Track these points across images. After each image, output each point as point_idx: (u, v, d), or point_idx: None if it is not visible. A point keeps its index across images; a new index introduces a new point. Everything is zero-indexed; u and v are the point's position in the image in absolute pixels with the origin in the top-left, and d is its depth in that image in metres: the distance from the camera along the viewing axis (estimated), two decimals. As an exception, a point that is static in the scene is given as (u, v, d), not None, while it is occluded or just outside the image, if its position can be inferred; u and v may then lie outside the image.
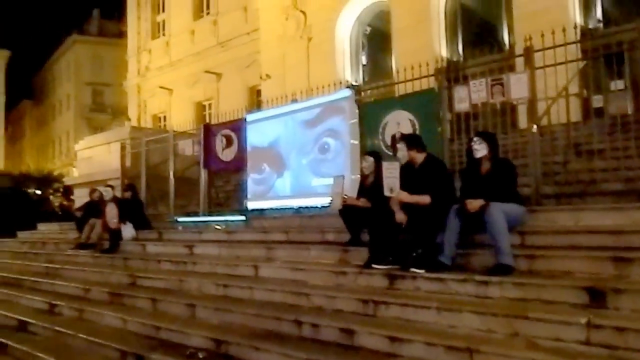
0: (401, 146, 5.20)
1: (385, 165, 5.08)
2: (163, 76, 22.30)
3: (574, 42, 6.50)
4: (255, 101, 18.36)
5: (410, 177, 4.93)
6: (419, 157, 5.10)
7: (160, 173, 11.51)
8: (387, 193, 4.93)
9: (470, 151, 5.00)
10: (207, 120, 20.13)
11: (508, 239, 4.32)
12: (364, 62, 15.08)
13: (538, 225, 4.93)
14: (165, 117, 22.56)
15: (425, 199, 4.76)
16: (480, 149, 4.89)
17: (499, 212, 4.33)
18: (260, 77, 16.42)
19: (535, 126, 6.13)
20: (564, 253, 4.24)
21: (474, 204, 4.48)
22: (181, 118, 19.85)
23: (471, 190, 4.68)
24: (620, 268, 3.82)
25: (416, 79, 7.37)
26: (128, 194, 9.42)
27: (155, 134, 12.48)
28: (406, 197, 4.83)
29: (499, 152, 5.14)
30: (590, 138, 6.48)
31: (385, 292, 4.60)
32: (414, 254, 4.71)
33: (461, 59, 12.60)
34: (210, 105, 20.60)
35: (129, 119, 24.33)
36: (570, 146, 6.77)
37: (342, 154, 7.87)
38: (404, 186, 4.85)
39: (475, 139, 4.99)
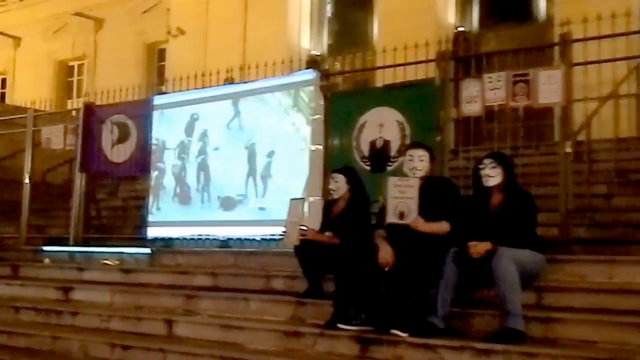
0: (424, 153, 6.11)
1: (393, 181, 5.88)
2: (5, 15, 22.43)
3: (629, 33, 7.58)
4: (156, 67, 19.08)
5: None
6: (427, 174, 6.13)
7: (7, 174, 12.18)
8: (392, 219, 5.77)
9: (477, 176, 5.96)
10: (75, 92, 20.65)
11: (519, 296, 5.28)
12: (330, 18, 15.81)
13: (561, 279, 5.95)
14: (4, 81, 22.72)
15: (443, 226, 5.72)
16: (494, 176, 5.79)
17: (510, 261, 5.24)
18: (168, 32, 17.09)
19: (568, 144, 7.16)
20: (588, 317, 5.25)
21: (479, 248, 5.38)
22: (32, 85, 20.25)
23: (476, 229, 5.63)
24: (651, 337, 4.89)
25: (409, 63, 8.38)
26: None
27: (2, 112, 13.07)
28: (423, 225, 5.69)
29: (516, 178, 6.12)
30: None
31: (354, 362, 5.50)
32: (396, 311, 5.65)
33: (477, 29, 13.69)
34: (81, 67, 21.05)
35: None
36: (616, 173, 7.81)
37: (298, 165, 8.82)
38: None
39: (486, 161, 5.86)
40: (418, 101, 8.11)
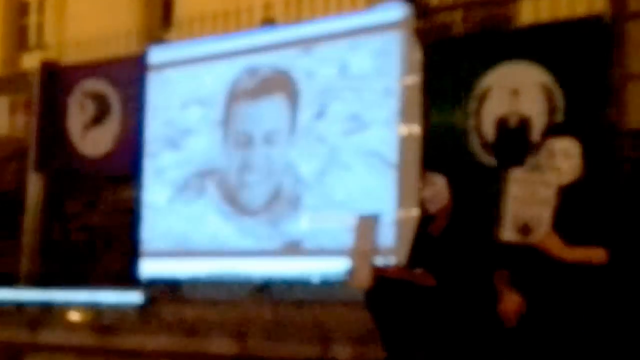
0: (565, 146, 5.90)
1: (516, 175, 5.70)
2: None
3: None
4: (161, 6, 19.32)
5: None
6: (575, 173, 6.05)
7: None
8: (509, 235, 5.58)
9: None
10: (35, 42, 21.04)
11: None
12: None
13: None
14: None
15: (594, 253, 5.48)
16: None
17: None
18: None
19: None
20: None
21: None
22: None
23: None
24: None
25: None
26: None
27: None
28: (561, 248, 5.50)
29: None
30: None
31: None
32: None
33: None
34: (42, 3, 21.38)
35: None
36: None
37: (377, 159, 9.00)
38: None
39: None
40: (576, 52, 8.09)
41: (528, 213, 5.50)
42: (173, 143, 10.49)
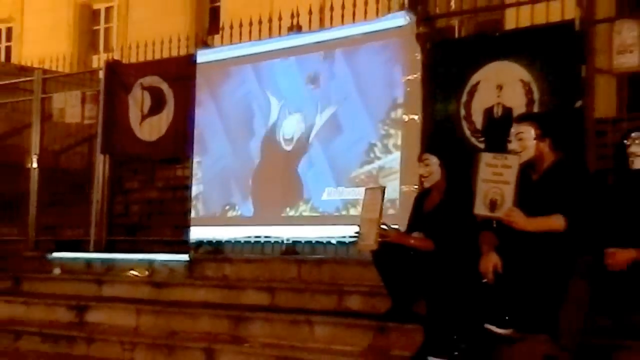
0: (523, 129, 6.07)
1: (486, 159, 5.92)
2: None
3: None
4: (208, 14, 19.24)
5: (525, 190, 5.80)
6: (548, 157, 6.08)
7: (8, 157, 12.77)
8: (480, 210, 5.83)
9: (622, 156, 5.96)
10: (102, 45, 20.96)
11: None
12: None
13: None
14: (9, 32, 22.98)
15: (553, 221, 5.65)
16: (644, 154, 5.80)
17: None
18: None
19: None
20: None
21: (619, 257, 5.36)
22: (46, 37, 20.45)
23: (618, 230, 5.59)
24: None
25: (538, 0, 8.39)
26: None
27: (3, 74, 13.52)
28: (522, 219, 5.65)
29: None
30: None
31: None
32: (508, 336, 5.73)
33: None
34: (110, 12, 21.21)
35: None
36: None
37: (388, 142, 9.09)
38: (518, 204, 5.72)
39: (634, 135, 5.83)
40: (549, 52, 8.08)
41: (495, 191, 5.74)
42: (216, 131, 10.60)
